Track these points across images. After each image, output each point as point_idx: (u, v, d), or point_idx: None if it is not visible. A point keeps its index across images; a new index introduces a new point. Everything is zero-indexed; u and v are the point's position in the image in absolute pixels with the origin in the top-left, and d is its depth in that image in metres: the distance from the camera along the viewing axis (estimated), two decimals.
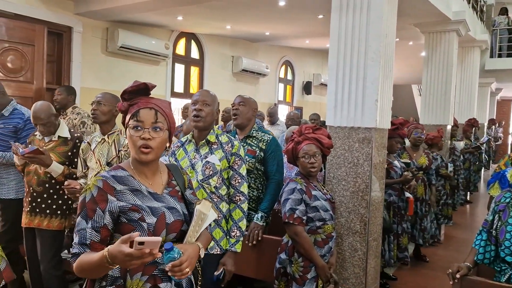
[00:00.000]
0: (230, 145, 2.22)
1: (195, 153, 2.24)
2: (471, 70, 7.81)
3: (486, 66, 9.45)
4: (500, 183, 3.01)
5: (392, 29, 3.26)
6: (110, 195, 1.34)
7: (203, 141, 2.23)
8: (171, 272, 1.29)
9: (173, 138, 2.47)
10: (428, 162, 4.26)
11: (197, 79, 7.79)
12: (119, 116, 1.65)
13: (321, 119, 5.69)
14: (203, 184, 2.16)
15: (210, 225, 1.56)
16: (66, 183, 2.48)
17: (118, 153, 2.45)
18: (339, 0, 3.19)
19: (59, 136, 2.81)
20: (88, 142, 2.59)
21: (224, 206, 2.21)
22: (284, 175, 2.99)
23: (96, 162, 2.47)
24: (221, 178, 2.19)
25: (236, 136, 2.81)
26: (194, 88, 7.70)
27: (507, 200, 2.06)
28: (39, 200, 2.75)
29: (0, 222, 3.13)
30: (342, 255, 3.12)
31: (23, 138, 3.05)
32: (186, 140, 2.31)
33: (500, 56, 9.95)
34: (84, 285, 1.43)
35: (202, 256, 1.46)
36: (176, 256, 1.27)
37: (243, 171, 2.24)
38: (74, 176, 2.70)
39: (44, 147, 2.73)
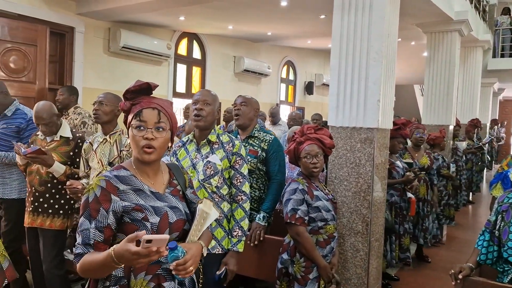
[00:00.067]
0: (231, 144, 2.22)
1: (196, 153, 2.24)
2: (473, 70, 7.77)
3: (488, 66, 9.42)
4: (502, 184, 3.01)
5: (394, 29, 3.26)
6: (114, 195, 1.34)
7: (204, 141, 2.23)
8: (175, 271, 1.29)
9: (175, 138, 2.47)
10: (429, 162, 4.26)
11: (199, 79, 7.79)
12: (121, 116, 1.65)
13: (323, 119, 5.68)
14: (204, 183, 2.16)
15: (211, 224, 1.56)
16: (68, 183, 2.48)
17: (120, 153, 2.46)
18: (341, 0, 3.19)
19: (61, 136, 2.82)
20: (90, 142, 2.59)
21: (225, 206, 2.21)
22: (286, 175, 2.99)
23: (98, 162, 2.48)
24: (222, 178, 2.19)
25: (238, 136, 2.81)
26: (196, 88, 7.69)
27: (510, 201, 2.05)
28: (41, 200, 2.76)
29: (3, 222, 3.15)
30: (344, 256, 3.12)
31: (26, 138, 3.06)
32: (187, 140, 2.31)
33: (502, 56, 9.92)
34: (87, 285, 1.43)
35: (204, 254, 1.47)
36: (180, 255, 1.28)
37: (245, 170, 2.24)
38: (76, 176, 2.70)
39: (46, 147, 2.74)
